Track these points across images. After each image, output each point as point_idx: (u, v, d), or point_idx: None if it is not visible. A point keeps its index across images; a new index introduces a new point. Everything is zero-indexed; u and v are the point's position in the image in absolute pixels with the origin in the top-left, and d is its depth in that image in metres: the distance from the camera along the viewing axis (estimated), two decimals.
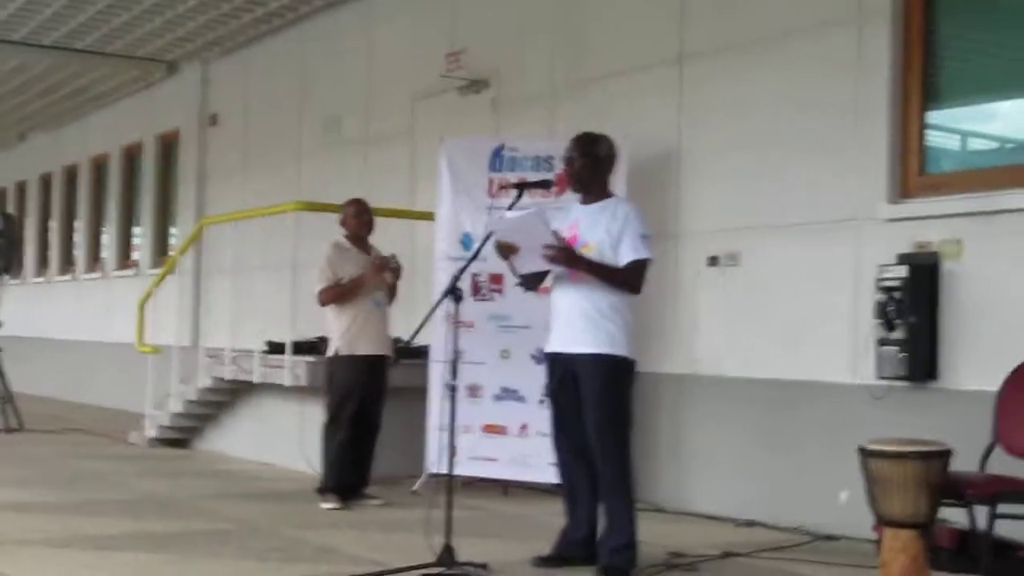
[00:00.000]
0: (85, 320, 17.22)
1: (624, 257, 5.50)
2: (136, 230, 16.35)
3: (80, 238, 18.08)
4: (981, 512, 5.08)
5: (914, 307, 6.22)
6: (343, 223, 7.76)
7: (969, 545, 5.45)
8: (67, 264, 18.60)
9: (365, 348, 7.41)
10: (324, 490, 7.42)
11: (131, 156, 16.51)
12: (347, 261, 7.57)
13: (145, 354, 10.51)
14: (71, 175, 18.58)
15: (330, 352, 7.54)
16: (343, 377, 7.44)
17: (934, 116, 6.61)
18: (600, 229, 5.53)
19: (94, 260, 17.62)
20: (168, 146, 15.36)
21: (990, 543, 5.01)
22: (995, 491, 5.01)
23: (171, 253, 13.76)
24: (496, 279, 7.78)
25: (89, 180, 17.80)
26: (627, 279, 5.52)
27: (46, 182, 19.58)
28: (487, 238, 5.60)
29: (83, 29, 12.98)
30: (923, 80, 6.56)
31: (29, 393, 15.86)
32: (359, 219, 7.69)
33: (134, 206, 16.43)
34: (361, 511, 7.23)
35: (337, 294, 7.46)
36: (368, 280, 7.50)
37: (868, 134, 6.64)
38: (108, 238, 17.11)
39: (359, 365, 7.38)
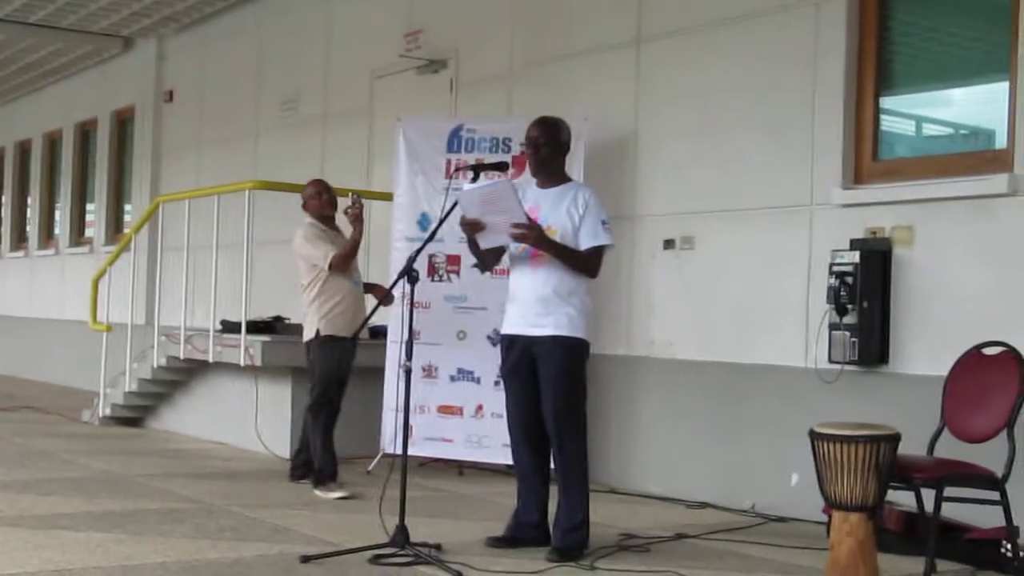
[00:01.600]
0: (38, 297, 17.06)
1: (585, 242, 5.53)
2: (90, 207, 16.20)
3: (33, 214, 17.88)
4: (929, 495, 5.15)
5: (866, 292, 6.28)
6: (305, 207, 7.56)
7: (917, 528, 5.53)
8: (20, 240, 18.40)
9: (346, 329, 7.15)
10: (325, 479, 7.13)
11: (85, 132, 16.34)
12: (325, 239, 7.35)
13: (98, 332, 10.44)
14: (24, 150, 18.37)
15: (310, 335, 7.27)
16: (327, 360, 7.19)
17: (888, 102, 6.66)
18: (562, 214, 5.55)
19: (47, 237, 17.44)
20: (123, 122, 15.22)
21: (937, 526, 5.08)
22: (942, 474, 5.07)
23: (126, 230, 13.64)
24: (453, 260, 7.79)
25: (42, 155, 17.60)
26: (587, 264, 5.56)
27: None
28: (448, 213, 5.59)
29: (37, 2, 12.81)
30: (878, 66, 6.61)
31: None
32: (320, 198, 7.50)
33: (88, 182, 16.27)
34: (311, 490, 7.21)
35: (349, 255, 7.22)
36: (359, 238, 7.28)
37: (823, 119, 6.69)
38: (61, 214, 16.94)
39: (344, 346, 7.11)
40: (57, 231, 17.11)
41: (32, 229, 17.85)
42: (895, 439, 4.84)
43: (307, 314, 7.35)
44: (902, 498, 5.52)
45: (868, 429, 4.85)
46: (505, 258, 5.75)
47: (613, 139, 7.90)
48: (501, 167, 5.91)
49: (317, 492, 7.05)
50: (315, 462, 7.18)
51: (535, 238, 5.42)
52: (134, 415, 10.45)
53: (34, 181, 17.79)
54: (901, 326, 6.27)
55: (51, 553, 5.12)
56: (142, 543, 5.43)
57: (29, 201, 18.11)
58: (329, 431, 7.23)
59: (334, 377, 7.24)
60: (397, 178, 8.18)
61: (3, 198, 19.03)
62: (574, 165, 7.44)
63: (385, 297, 6.42)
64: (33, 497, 6.61)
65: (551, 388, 5.49)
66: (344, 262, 7.23)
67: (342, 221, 7.48)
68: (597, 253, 5.58)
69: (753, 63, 7.12)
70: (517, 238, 5.44)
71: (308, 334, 7.31)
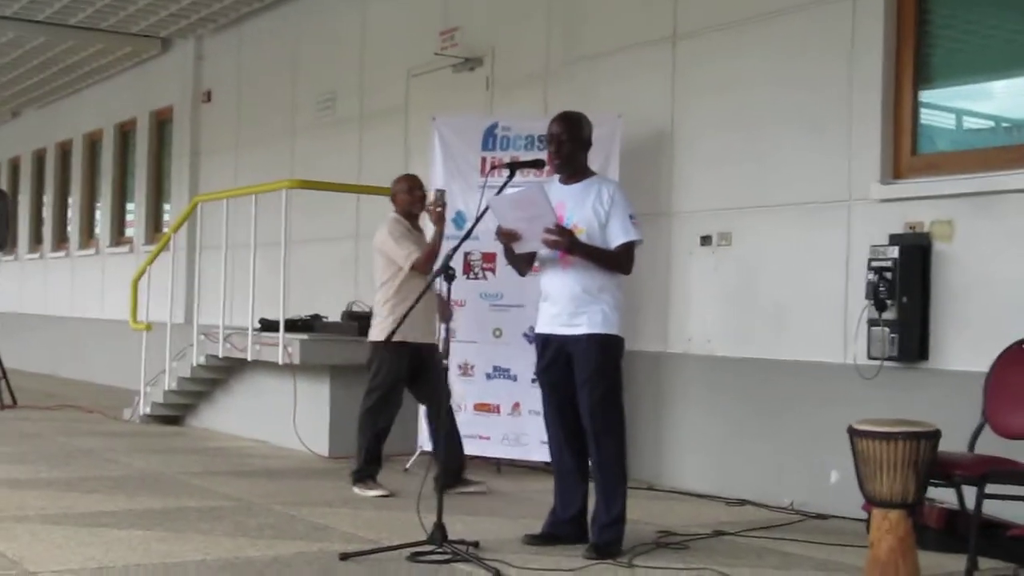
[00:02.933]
0: (79, 296, 17.22)
1: (615, 239, 5.52)
2: (130, 206, 16.33)
3: (74, 214, 18.04)
4: (970, 492, 5.10)
5: (905, 288, 6.24)
6: (393, 199, 7.29)
7: (957, 525, 5.49)
8: (61, 240, 18.58)
9: (418, 335, 6.91)
10: (364, 477, 7.08)
11: (125, 132, 16.47)
12: (410, 238, 7.12)
13: (138, 331, 10.52)
14: (65, 151, 18.54)
15: (379, 337, 6.88)
16: (393, 365, 6.98)
17: (928, 95, 6.61)
18: (587, 210, 5.53)
19: (88, 237, 17.60)
20: (161, 123, 15.33)
21: (978, 523, 5.03)
22: (983, 471, 5.02)
23: (164, 230, 13.75)
24: (488, 258, 7.80)
25: (83, 156, 17.76)
26: (620, 262, 5.55)
27: (40, 158, 19.54)
28: (482, 213, 5.61)
29: (77, 5, 12.92)
30: (917, 59, 6.56)
31: (23, 369, 15.89)
32: (411, 194, 7.22)
33: (127, 183, 16.40)
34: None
35: (431, 257, 6.91)
36: (440, 239, 6.97)
37: (861, 114, 6.64)
38: (102, 215, 17.08)
39: (410, 352, 6.92)
40: (97, 231, 17.26)
41: (73, 229, 18.01)
42: (935, 436, 4.80)
43: (378, 314, 7.15)
44: (943, 495, 5.48)
45: (908, 425, 4.81)
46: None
47: (649, 136, 7.88)
48: (537, 165, 5.91)
49: (356, 490, 7.07)
50: (357, 460, 7.16)
51: (567, 244, 5.41)
52: (174, 413, 10.53)
53: (75, 182, 17.96)
54: (941, 322, 6.22)
55: (93, 551, 5.17)
56: (183, 541, 5.47)
57: (70, 201, 18.28)
58: (381, 435, 7.11)
59: (400, 383, 7.10)
60: (433, 176, 8.19)
61: (45, 198, 19.22)
62: (609, 162, 7.45)
63: (443, 312, 6.26)
64: (75, 495, 6.67)
65: (587, 386, 5.49)
66: (427, 264, 6.92)
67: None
68: (628, 250, 5.57)
69: (790, 57, 7.08)
70: (549, 245, 5.43)
71: (376, 335, 7.05)
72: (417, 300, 6.01)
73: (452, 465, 6.93)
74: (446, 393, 6.59)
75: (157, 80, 15.16)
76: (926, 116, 6.61)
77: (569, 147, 5.64)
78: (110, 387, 14.25)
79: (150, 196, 15.47)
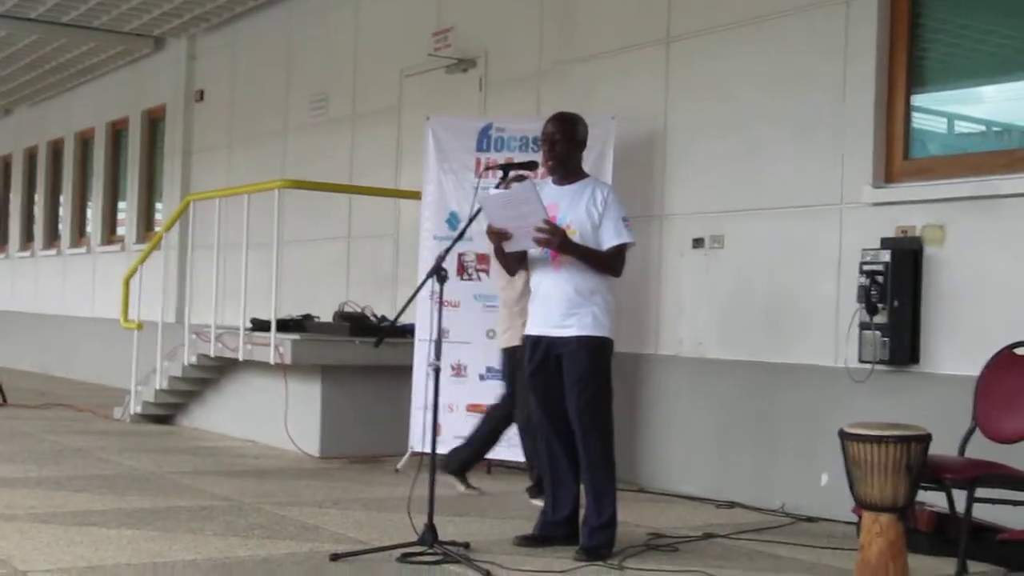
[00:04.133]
0: (70, 295, 17.19)
1: (607, 241, 5.52)
2: (121, 205, 16.30)
3: (65, 213, 18.01)
4: (960, 496, 5.12)
5: (896, 292, 6.25)
6: None
7: (947, 529, 5.50)
8: (52, 239, 18.54)
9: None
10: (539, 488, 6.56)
11: (117, 131, 16.45)
12: None
13: (129, 330, 10.50)
14: (56, 150, 18.50)
15: (516, 342, 6.50)
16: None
17: (920, 99, 6.62)
18: (581, 211, 5.53)
19: (79, 235, 17.56)
20: (154, 121, 15.30)
21: (968, 527, 5.05)
22: (974, 475, 5.04)
23: (156, 229, 13.73)
24: (482, 259, 7.79)
25: (75, 155, 17.72)
26: (611, 263, 5.55)
27: (31, 156, 19.49)
28: (475, 213, 5.60)
29: (70, 3, 12.90)
30: (909, 63, 6.57)
31: (13, 368, 15.88)
32: None
33: (119, 181, 16.38)
34: (356, 490, 7.23)
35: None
36: None
37: (853, 117, 6.65)
38: (93, 213, 17.05)
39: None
40: (89, 229, 17.23)
41: (64, 228, 17.98)
42: (926, 439, 4.81)
43: (508, 315, 6.92)
44: (933, 499, 5.49)
45: (899, 429, 4.82)
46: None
47: (642, 138, 7.89)
48: (530, 167, 5.91)
49: (534, 502, 6.57)
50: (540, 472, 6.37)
51: (559, 243, 5.41)
52: (165, 413, 10.51)
53: (66, 180, 17.91)
54: (932, 326, 6.23)
55: (83, 550, 5.16)
56: (173, 540, 5.46)
57: (61, 200, 18.23)
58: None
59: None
60: (426, 177, 8.19)
61: (36, 197, 19.17)
62: (603, 164, 7.45)
63: None
64: (65, 494, 6.66)
65: (576, 388, 5.49)
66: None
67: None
68: (620, 252, 5.57)
69: (783, 61, 7.09)
70: (541, 243, 5.43)
71: (512, 340, 6.75)
72: (412, 289, 5.97)
73: (469, 457, 7.09)
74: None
75: (150, 79, 15.14)
76: (918, 120, 6.63)
77: (563, 148, 5.64)
78: (101, 386, 14.23)
79: (142, 195, 15.44)
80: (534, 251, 5.58)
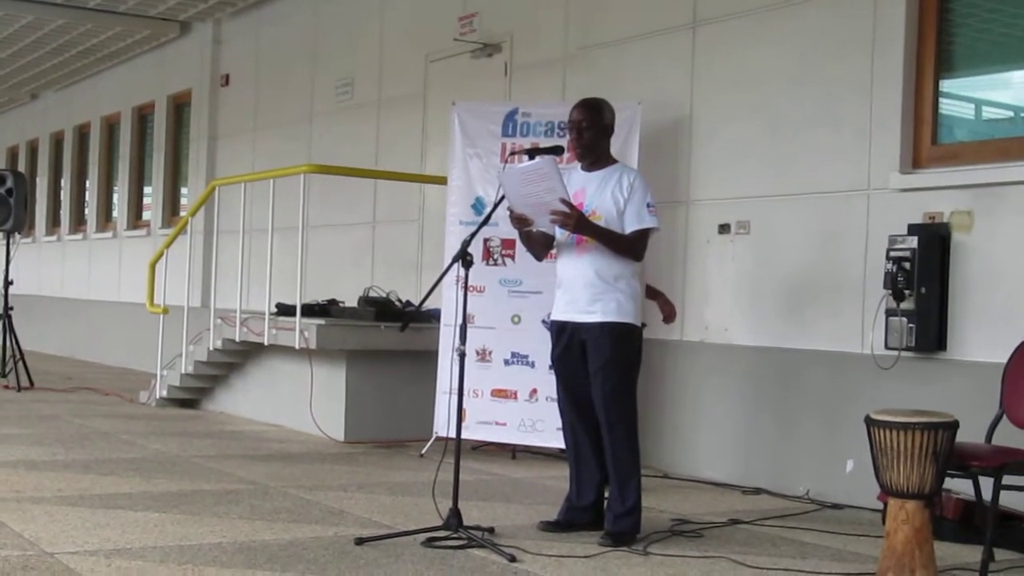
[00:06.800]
0: (96, 279, 17.28)
1: (629, 225, 5.50)
2: (147, 190, 16.36)
3: (91, 197, 18.10)
4: (987, 484, 5.09)
5: (923, 278, 6.22)
6: None
7: (974, 516, 5.48)
8: (79, 223, 18.63)
9: None
10: None
11: (143, 116, 16.50)
12: None
13: (155, 314, 10.55)
14: (83, 134, 18.58)
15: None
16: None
17: (949, 85, 6.58)
18: (607, 197, 5.52)
19: (105, 220, 17.65)
20: (180, 106, 15.35)
21: (995, 514, 5.01)
22: (1001, 463, 5.01)
23: (182, 213, 13.78)
24: (508, 244, 7.78)
25: (101, 139, 17.80)
26: (632, 247, 5.52)
27: (58, 141, 19.59)
28: (501, 199, 5.59)
29: None
30: (938, 49, 6.52)
31: (40, 351, 15.97)
32: None
33: (145, 166, 16.44)
34: (381, 474, 7.25)
35: None
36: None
37: (881, 103, 6.61)
38: (119, 198, 17.13)
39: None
40: (115, 214, 17.31)
41: (91, 212, 18.07)
42: (953, 426, 4.78)
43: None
44: (960, 486, 5.47)
45: (925, 416, 4.79)
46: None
47: (668, 123, 7.86)
48: (556, 151, 5.89)
49: None
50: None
51: (575, 222, 5.40)
52: (190, 397, 10.56)
53: (93, 165, 18.00)
54: (959, 312, 6.20)
55: (110, 532, 5.19)
56: (199, 524, 5.49)
57: (88, 184, 18.32)
58: None
59: None
60: (452, 162, 8.19)
61: (63, 181, 19.27)
62: (629, 149, 7.43)
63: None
64: (92, 477, 6.70)
65: (600, 374, 5.48)
66: None
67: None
68: (642, 236, 5.54)
69: (811, 45, 7.05)
70: (557, 222, 5.42)
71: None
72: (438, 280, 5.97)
73: None
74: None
75: (175, 63, 15.18)
76: (946, 106, 6.59)
77: (590, 134, 5.63)
78: (127, 370, 14.31)
79: (167, 180, 15.50)
80: (560, 236, 5.58)
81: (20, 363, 11.75)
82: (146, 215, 16.27)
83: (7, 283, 11.99)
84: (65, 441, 8.16)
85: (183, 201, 15.12)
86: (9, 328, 11.87)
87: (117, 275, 16.46)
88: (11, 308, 11.94)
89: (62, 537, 5.06)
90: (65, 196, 19.15)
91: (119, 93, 17.00)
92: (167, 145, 15.48)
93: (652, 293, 6.72)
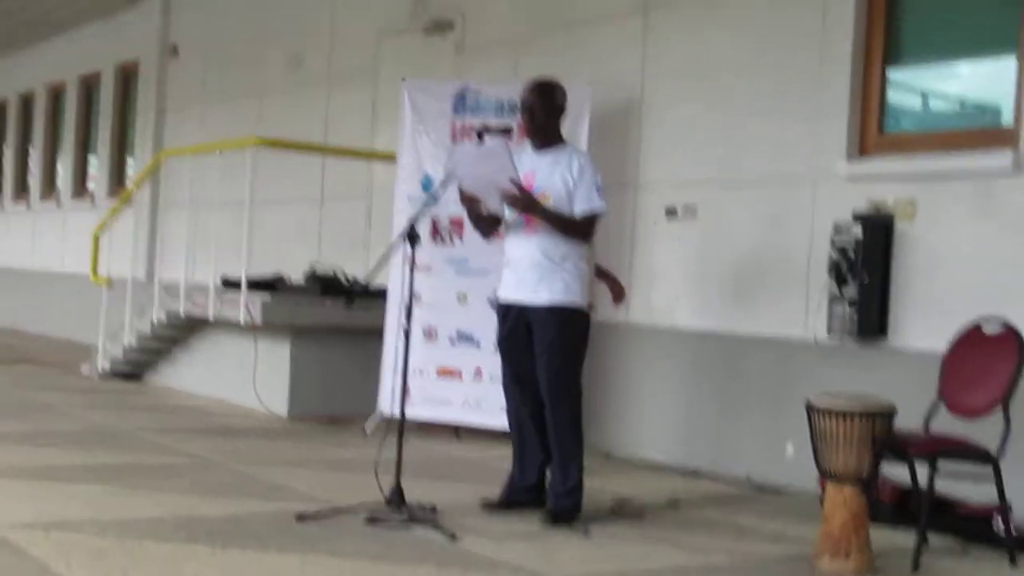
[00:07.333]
0: (39, 249, 17.06)
1: (578, 207, 5.52)
2: (92, 160, 16.16)
3: (35, 166, 17.85)
4: (923, 469, 5.16)
5: (867, 265, 6.28)
6: None
7: (910, 501, 5.55)
8: (21, 192, 18.37)
9: None
10: None
11: (89, 85, 16.28)
12: None
13: (99, 286, 10.44)
14: (27, 102, 18.31)
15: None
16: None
17: (896, 74, 6.64)
18: (557, 179, 5.53)
19: (49, 189, 17.42)
20: (128, 76, 15.16)
21: (930, 500, 5.10)
22: (936, 449, 5.08)
23: (128, 185, 13.63)
24: (456, 222, 7.77)
25: (45, 108, 17.55)
26: (580, 229, 5.54)
27: (1, 108, 19.29)
28: (449, 176, 5.59)
29: None
30: (887, 38, 6.58)
31: None
32: None
33: (91, 136, 16.24)
34: (324, 451, 7.24)
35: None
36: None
37: (829, 89, 6.66)
38: (63, 167, 16.91)
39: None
40: (59, 184, 17.09)
41: (34, 181, 17.82)
42: (890, 413, 4.86)
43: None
44: (897, 472, 5.54)
45: (864, 402, 4.86)
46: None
47: (618, 106, 7.87)
48: (506, 132, 5.89)
49: None
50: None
51: (525, 203, 5.41)
52: (133, 370, 10.47)
53: (37, 133, 17.75)
54: (901, 300, 6.28)
55: (47, 505, 5.15)
56: (139, 497, 5.46)
57: (31, 153, 18.06)
58: None
59: None
60: (402, 139, 8.16)
61: (5, 149, 18.99)
62: (579, 131, 7.44)
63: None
64: (31, 449, 6.64)
65: (545, 355, 5.50)
66: None
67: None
68: (591, 219, 5.57)
69: (761, 32, 7.09)
70: (506, 200, 5.43)
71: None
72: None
73: None
74: None
75: (123, 33, 14.97)
76: (894, 95, 6.65)
77: (542, 115, 5.63)
78: (69, 341, 14.15)
79: (114, 150, 15.31)
80: (509, 216, 5.58)
81: None
82: (91, 185, 16.08)
83: None
84: (3, 413, 8.07)
85: (129, 172, 14.95)
86: None
87: (61, 245, 16.26)
88: None
89: (0, 510, 5.01)
90: (7, 165, 18.86)
91: (65, 61, 16.75)
92: (114, 115, 15.28)
93: (601, 273, 6.76)
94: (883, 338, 6.32)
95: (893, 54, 6.60)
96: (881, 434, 4.81)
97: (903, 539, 5.30)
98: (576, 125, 7.42)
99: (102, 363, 10.49)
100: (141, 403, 9.07)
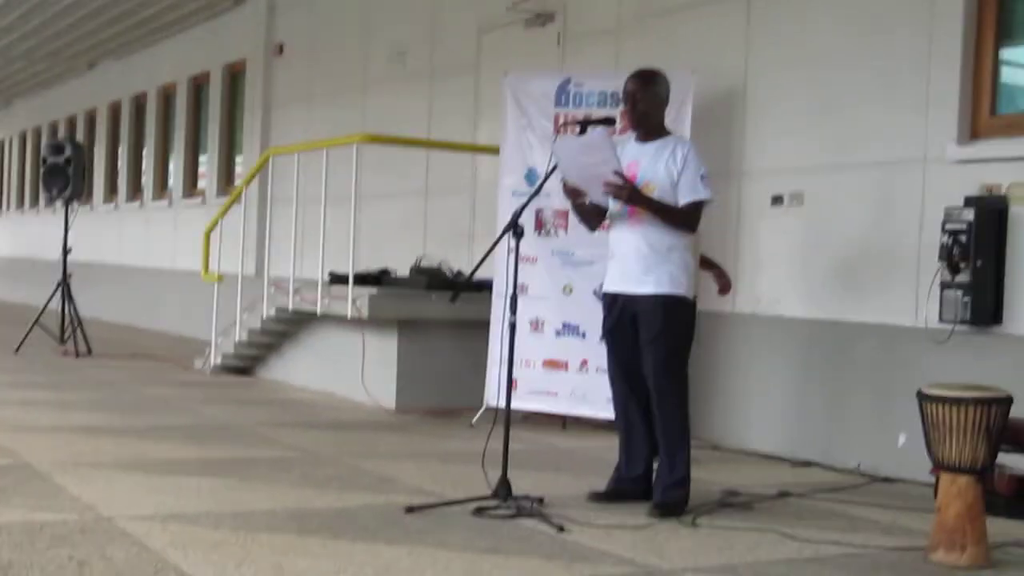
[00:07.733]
0: (152, 247, 17.46)
1: (683, 197, 5.48)
2: (202, 159, 16.49)
3: (148, 166, 18.27)
4: None
5: (980, 251, 6.14)
6: None
7: None
8: (135, 191, 18.82)
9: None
10: None
11: (198, 86, 16.61)
12: None
13: (210, 282, 10.65)
14: (140, 104, 18.75)
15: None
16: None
17: (1008, 54, 6.46)
18: (660, 169, 5.50)
19: (161, 188, 17.81)
20: (235, 76, 15.43)
21: None
22: None
23: (236, 182, 13.87)
24: (561, 214, 7.77)
25: (157, 109, 17.95)
26: (685, 219, 5.50)
27: (115, 110, 19.77)
28: (553, 168, 5.59)
29: None
30: (998, 17, 6.41)
31: (97, 318, 16.16)
32: None
33: (200, 135, 16.56)
34: (431, 443, 7.29)
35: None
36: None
37: (939, 72, 6.52)
38: (175, 167, 17.28)
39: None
40: (171, 183, 17.46)
41: (147, 181, 18.24)
42: (1007, 402, 4.74)
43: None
44: (1014, 462, 5.41)
45: (979, 391, 4.75)
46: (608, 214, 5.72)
47: (722, 93, 7.80)
48: (609, 122, 5.87)
49: None
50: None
51: (628, 194, 5.39)
52: (244, 365, 10.67)
53: (149, 134, 18.16)
54: (1016, 286, 6.12)
55: (165, 497, 5.27)
56: (251, 490, 5.56)
57: (144, 153, 18.49)
58: None
59: None
60: (504, 132, 8.18)
61: (120, 150, 19.46)
62: (681, 119, 7.38)
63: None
64: (149, 443, 6.79)
65: (651, 347, 5.48)
66: None
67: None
68: (695, 208, 5.52)
69: (867, 14, 6.96)
70: (610, 194, 5.41)
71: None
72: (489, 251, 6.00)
73: None
74: None
75: (230, 33, 15.24)
76: (1006, 75, 6.48)
77: (644, 105, 5.60)
78: (182, 337, 14.46)
79: (222, 149, 15.61)
80: (613, 207, 5.57)
81: (78, 330, 11.92)
82: (201, 183, 16.40)
83: (66, 251, 12.17)
84: (122, 407, 8.27)
85: (238, 170, 15.22)
86: (67, 295, 12.04)
87: (173, 243, 16.62)
88: (70, 275, 12.11)
89: (119, 501, 5.14)
90: (122, 165, 19.33)
91: (175, 63, 17.12)
92: (222, 114, 15.57)
93: (707, 264, 6.70)
94: (998, 325, 6.17)
95: (1005, 32, 6.42)
96: (997, 423, 4.69)
97: (1020, 531, 5.18)
98: (679, 113, 7.36)
99: (214, 358, 10.70)
100: (252, 397, 9.23)
